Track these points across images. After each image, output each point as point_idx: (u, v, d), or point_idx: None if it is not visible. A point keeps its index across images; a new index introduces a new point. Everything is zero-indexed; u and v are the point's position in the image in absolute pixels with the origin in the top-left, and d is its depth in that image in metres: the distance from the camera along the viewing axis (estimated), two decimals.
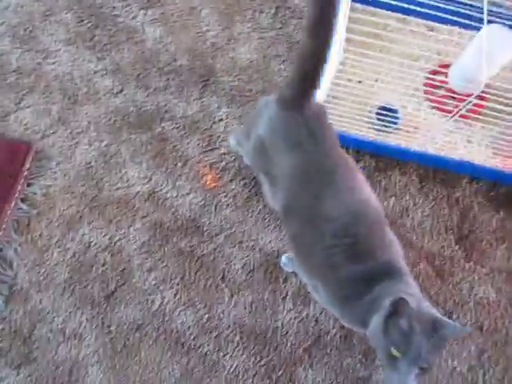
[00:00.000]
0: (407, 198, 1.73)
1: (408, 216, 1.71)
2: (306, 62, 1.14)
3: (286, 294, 1.59)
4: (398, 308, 0.98)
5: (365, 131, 1.72)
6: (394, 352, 0.98)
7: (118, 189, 1.67)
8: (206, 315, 1.56)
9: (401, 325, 0.98)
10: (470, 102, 1.41)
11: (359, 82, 1.71)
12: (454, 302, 1.63)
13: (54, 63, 1.81)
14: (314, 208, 1.17)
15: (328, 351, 1.54)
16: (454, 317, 1.61)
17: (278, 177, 1.25)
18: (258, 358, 1.53)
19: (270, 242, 1.64)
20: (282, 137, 1.21)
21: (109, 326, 1.54)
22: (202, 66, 1.84)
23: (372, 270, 1.11)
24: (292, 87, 1.19)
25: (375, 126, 1.73)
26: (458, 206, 1.74)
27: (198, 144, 1.73)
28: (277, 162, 1.23)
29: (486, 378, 1.57)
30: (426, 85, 1.80)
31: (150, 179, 1.68)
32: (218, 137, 1.74)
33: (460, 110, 1.46)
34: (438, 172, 1.77)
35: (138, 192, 1.67)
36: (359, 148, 1.75)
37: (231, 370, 1.51)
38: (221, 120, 1.76)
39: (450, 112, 1.58)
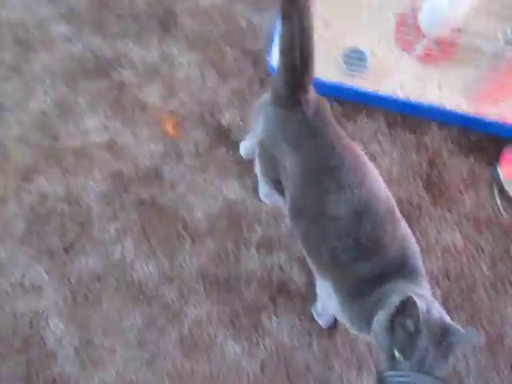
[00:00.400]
0: (375, 144, 1.69)
1: (376, 162, 1.66)
2: (291, 53, 1.04)
3: (250, 242, 1.56)
4: (405, 307, 0.92)
5: (332, 76, 1.66)
6: (397, 355, 0.93)
7: (75, 138, 1.61)
8: (168, 264, 1.53)
9: (407, 326, 0.91)
10: (426, 41, 1.34)
11: (327, 24, 1.64)
12: (421, 248, 1.60)
13: (5, 9, 1.72)
14: (319, 207, 1.11)
15: (292, 298, 1.53)
16: None
17: (286, 181, 1.18)
18: (222, 306, 1.51)
19: (233, 190, 1.60)
20: (281, 138, 1.13)
21: (69, 278, 1.51)
22: (162, 9, 1.75)
23: (381, 268, 1.06)
24: (283, 83, 1.10)
25: (343, 71, 1.67)
26: (427, 152, 1.70)
27: (158, 91, 1.67)
28: (282, 165, 1.16)
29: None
30: (395, 28, 1.73)
31: (109, 128, 1.63)
32: (179, 83, 1.68)
33: (417, 49, 1.40)
34: (407, 118, 1.72)
35: (97, 141, 1.61)
36: (326, 93, 1.68)
37: (194, 318, 1.50)
38: (182, 66, 1.69)
39: (421, 57, 1.52)
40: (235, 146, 1.62)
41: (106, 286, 1.50)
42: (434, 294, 1.52)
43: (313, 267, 1.24)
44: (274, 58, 1.50)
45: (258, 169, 1.34)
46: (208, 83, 1.68)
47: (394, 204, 1.15)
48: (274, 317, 1.51)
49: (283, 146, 1.13)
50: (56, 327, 1.47)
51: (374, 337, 1.02)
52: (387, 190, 1.16)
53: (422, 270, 1.13)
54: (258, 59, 1.70)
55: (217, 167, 1.61)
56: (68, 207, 1.55)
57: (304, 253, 1.24)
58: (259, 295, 1.52)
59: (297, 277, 1.54)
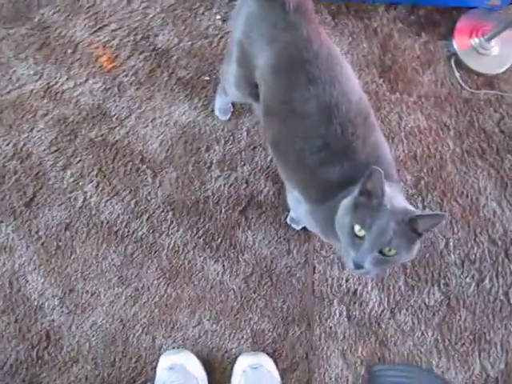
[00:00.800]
0: None
1: None
2: None
3: (211, 163, 1.52)
4: (370, 177, 0.88)
5: None
6: (357, 230, 0.90)
7: (9, 91, 1.53)
8: (133, 200, 1.50)
9: (370, 202, 0.89)
10: None
11: None
12: (385, 135, 1.55)
13: None
14: (288, 104, 1.04)
15: (264, 209, 1.52)
16: None
17: (260, 81, 1.10)
18: (195, 231, 1.50)
19: (183, 113, 1.54)
20: (258, 33, 1.05)
21: (37, 232, 1.48)
22: None
23: (349, 173, 1.00)
24: None
25: None
26: (377, 37, 1.63)
27: (85, 25, 1.56)
28: (257, 64, 1.08)
29: (425, 203, 1.57)
30: None
31: (42, 74, 1.54)
32: (105, 12, 1.57)
33: None
34: (351, 4, 1.64)
35: (32, 90, 1.53)
36: None
37: (170, 247, 1.49)
38: None
39: None
40: (177, 66, 1.55)
41: (76, 233, 1.48)
42: (404, 180, 1.55)
43: (282, 175, 1.21)
44: None
45: (231, 75, 1.25)
46: (135, 6, 1.57)
47: (370, 109, 1.08)
48: (248, 231, 1.51)
49: (259, 41, 1.06)
50: (36, 282, 1.46)
51: (337, 226, 0.98)
52: (362, 93, 1.09)
53: (395, 177, 1.08)
54: None
55: (162, 93, 1.54)
56: (20, 164, 1.50)
57: (274, 160, 1.20)
58: (230, 213, 1.51)
59: (264, 187, 1.52)
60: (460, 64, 1.65)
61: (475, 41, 1.64)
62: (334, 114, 1.00)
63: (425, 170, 1.58)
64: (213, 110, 1.54)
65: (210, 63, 1.56)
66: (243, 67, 1.16)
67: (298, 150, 1.05)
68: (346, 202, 0.96)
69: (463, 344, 1.50)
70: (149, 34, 1.56)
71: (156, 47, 1.56)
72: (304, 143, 1.04)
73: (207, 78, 1.56)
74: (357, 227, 0.90)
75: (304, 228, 1.50)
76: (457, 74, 1.64)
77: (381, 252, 0.89)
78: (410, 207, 0.96)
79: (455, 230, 1.56)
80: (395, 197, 0.94)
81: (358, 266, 0.91)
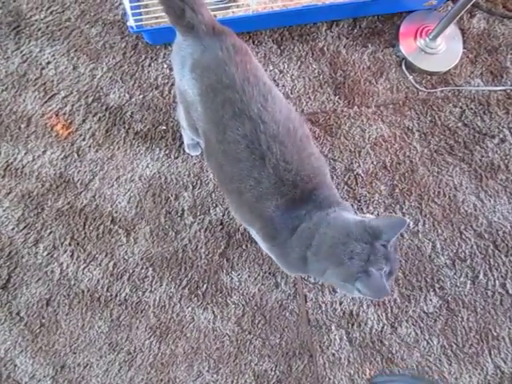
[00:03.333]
0: (271, 67, 1.62)
1: (278, 86, 1.60)
2: None
3: (183, 210, 1.50)
4: None
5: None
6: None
7: None
8: (111, 262, 1.47)
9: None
10: None
11: None
12: (350, 151, 1.57)
13: None
14: (222, 145, 1.02)
15: (244, 247, 1.49)
16: (355, 165, 1.56)
17: (197, 120, 1.09)
18: (178, 282, 1.46)
19: (147, 166, 1.53)
20: (185, 63, 1.05)
21: (18, 313, 1.44)
22: (8, 14, 1.62)
23: (291, 205, 1.00)
24: (166, 8, 1.04)
25: (212, 6, 1.58)
26: (325, 56, 1.64)
27: (35, 97, 1.56)
28: (190, 100, 1.07)
29: (404, 210, 1.54)
30: None
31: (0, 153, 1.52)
32: (52, 81, 1.57)
33: None
34: (293, 29, 1.65)
35: None
36: None
37: (156, 304, 1.45)
38: (49, 63, 1.58)
39: None
40: (132, 121, 1.54)
41: (58, 307, 1.45)
42: (378, 191, 1.53)
43: (235, 215, 1.19)
44: (131, 19, 1.40)
45: (181, 119, 1.25)
46: (82, 70, 1.57)
47: (299, 122, 1.05)
48: (232, 272, 1.47)
49: (186, 73, 1.05)
50: (25, 364, 1.42)
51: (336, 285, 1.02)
52: (290, 107, 1.06)
53: (336, 197, 1.07)
54: (123, 27, 1.59)
55: (122, 150, 1.53)
56: None
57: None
58: (210, 257, 1.48)
59: (240, 225, 1.50)
60: (411, 67, 1.65)
61: (421, 42, 1.65)
62: (268, 157, 0.97)
63: (397, 178, 1.56)
64: (176, 158, 1.53)
65: (165, 112, 1.56)
66: (185, 109, 1.15)
67: (235, 188, 1.03)
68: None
69: (471, 345, 1.46)
70: (100, 95, 1.56)
71: (109, 106, 1.55)
72: (239, 182, 1.02)
73: (164, 128, 1.55)
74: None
75: None
76: (410, 78, 1.64)
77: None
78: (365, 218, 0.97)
79: (439, 231, 1.53)
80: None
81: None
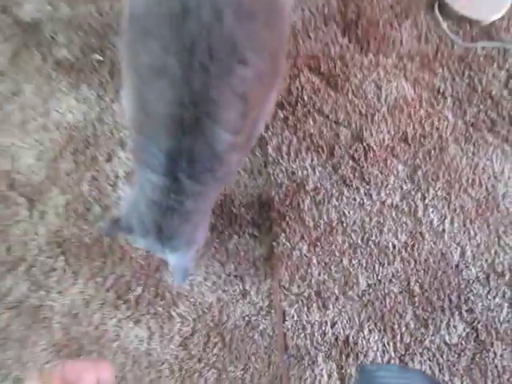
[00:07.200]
0: None
1: None
2: None
3: (116, 176, 1.09)
4: None
5: None
6: None
7: None
8: (3, 246, 1.04)
9: None
10: None
11: None
12: (360, 113, 1.23)
13: None
14: None
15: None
16: (366, 134, 1.17)
17: None
18: (101, 281, 1.05)
19: (68, 109, 1.10)
20: None
21: None
22: None
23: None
24: None
25: None
26: None
27: None
28: None
29: (428, 201, 1.20)
30: None
31: None
32: None
33: None
34: None
35: None
36: None
37: (66, 311, 1.05)
38: None
39: None
40: (52, 45, 1.19)
41: None
42: (395, 173, 1.15)
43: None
44: None
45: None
46: None
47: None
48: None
49: None
50: None
51: None
52: None
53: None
54: None
55: (34, 84, 1.15)
56: None
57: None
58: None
59: None
60: (446, 11, 1.33)
61: None
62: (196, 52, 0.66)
63: (421, 156, 1.23)
64: (113, 102, 1.18)
65: (102, 36, 1.21)
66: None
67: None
68: None
69: None
70: (8, 5, 1.19)
71: (20, 20, 1.19)
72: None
73: (99, 57, 1.20)
74: None
75: (265, 258, 1.09)
76: (444, 25, 1.31)
77: None
78: None
79: (472, 232, 1.19)
80: None
81: None
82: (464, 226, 1.19)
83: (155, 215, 0.79)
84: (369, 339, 1.11)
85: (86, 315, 1.05)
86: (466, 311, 1.15)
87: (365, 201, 1.18)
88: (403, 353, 1.11)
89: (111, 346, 1.03)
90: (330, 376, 1.08)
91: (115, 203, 1.09)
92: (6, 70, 1.14)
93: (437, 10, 1.32)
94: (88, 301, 1.06)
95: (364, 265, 1.16)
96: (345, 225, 1.16)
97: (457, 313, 1.15)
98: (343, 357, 1.10)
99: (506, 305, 1.17)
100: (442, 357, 1.13)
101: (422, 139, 1.23)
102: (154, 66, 0.64)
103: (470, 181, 1.22)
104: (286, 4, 0.77)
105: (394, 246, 1.17)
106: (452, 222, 1.20)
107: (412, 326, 1.13)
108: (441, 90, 1.27)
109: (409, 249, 1.18)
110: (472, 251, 1.18)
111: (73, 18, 1.17)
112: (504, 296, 1.17)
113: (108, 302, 1.06)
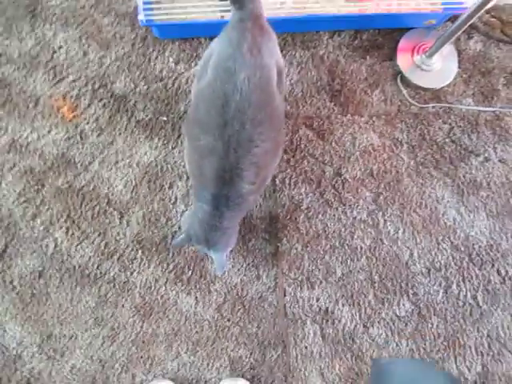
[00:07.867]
0: None
1: None
2: None
3: (176, 198, 1.57)
4: None
5: (211, 15, 1.62)
6: None
7: None
8: (103, 242, 1.54)
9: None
10: None
11: None
12: (340, 156, 1.64)
13: None
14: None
15: None
16: (344, 171, 1.62)
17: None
18: (165, 266, 1.54)
19: (145, 153, 1.60)
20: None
21: (11, 282, 1.52)
22: None
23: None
24: None
25: (219, 8, 1.64)
26: (325, 63, 1.70)
27: (45, 79, 1.63)
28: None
29: (386, 217, 1.61)
30: None
31: (6, 129, 1.60)
32: (63, 65, 1.64)
33: None
34: (296, 36, 1.71)
35: None
36: (211, 34, 1.66)
37: (142, 285, 1.53)
38: (61, 47, 1.65)
39: None
40: (134, 110, 1.62)
41: (50, 279, 1.52)
42: (363, 198, 1.59)
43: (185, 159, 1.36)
44: (142, 12, 1.48)
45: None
46: (91, 57, 1.64)
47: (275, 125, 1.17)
48: None
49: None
50: (13, 331, 1.49)
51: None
52: (273, 101, 1.14)
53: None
54: (134, 20, 1.66)
55: (123, 136, 1.60)
56: None
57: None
58: None
59: None
60: (406, 81, 1.71)
61: (418, 58, 1.71)
62: (228, 128, 1.09)
63: (382, 186, 1.62)
64: (173, 148, 1.60)
65: (167, 104, 1.63)
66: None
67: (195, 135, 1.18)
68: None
69: (438, 351, 1.53)
70: (106, 82, 1.63)
71: (114, 94, 1.62)
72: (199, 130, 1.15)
73: (165, 119, 1.62)
74: None
75: (272, 254, 1.54)
76: (404, 91, 1.70)
77: None
78: None
79: (418, 240, 1.59)
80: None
81: None
82: (413, 235, 1.58)
83: (204, 231, 1.21)
84: (342, 310, 1.52)
85: (155, 288, 1.50)
86: (412, 294, 1.54)
87: (342, 216, 1.58)
88: (366, 321, 1.52)
89: (171, 308, 1.49)
90: (314, 334, 1.50)
91: (174, 216, 1.56)
92: (105, 127, 1.58)
93: (399, 81, 1.69)
94: (157, 279, 1.51)
95: (340, 260, 1.55)
96: (327, 233, 1.56)
97: (405, 295, 1.53)
98: (324, 321, 1.51)
99: (442, 291, 1.55)
100: (393, 324, 1.52)
101: (384, 174, 1.61)
102: (209, 148, 1.10)
103: (419, 203, 1.60)
104: (280, 106, 1.17)
105: (362, 248, 1.56)
106: (404, 232, 1.58)
107: (373, 302, 1.53)
108: (399, 139, 1.64)
109: (372, 250, 1.56)
110: (418, 253, 1.57)
111: (148, 91, 1.61)
112: (440, 285, 1.55)
113: (169, 280, 1.51)
